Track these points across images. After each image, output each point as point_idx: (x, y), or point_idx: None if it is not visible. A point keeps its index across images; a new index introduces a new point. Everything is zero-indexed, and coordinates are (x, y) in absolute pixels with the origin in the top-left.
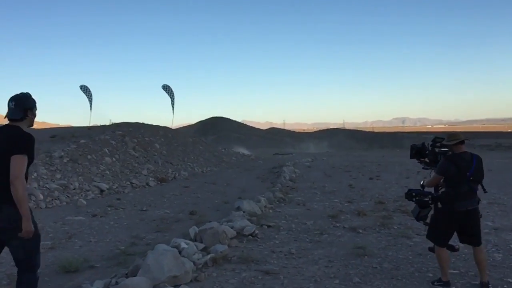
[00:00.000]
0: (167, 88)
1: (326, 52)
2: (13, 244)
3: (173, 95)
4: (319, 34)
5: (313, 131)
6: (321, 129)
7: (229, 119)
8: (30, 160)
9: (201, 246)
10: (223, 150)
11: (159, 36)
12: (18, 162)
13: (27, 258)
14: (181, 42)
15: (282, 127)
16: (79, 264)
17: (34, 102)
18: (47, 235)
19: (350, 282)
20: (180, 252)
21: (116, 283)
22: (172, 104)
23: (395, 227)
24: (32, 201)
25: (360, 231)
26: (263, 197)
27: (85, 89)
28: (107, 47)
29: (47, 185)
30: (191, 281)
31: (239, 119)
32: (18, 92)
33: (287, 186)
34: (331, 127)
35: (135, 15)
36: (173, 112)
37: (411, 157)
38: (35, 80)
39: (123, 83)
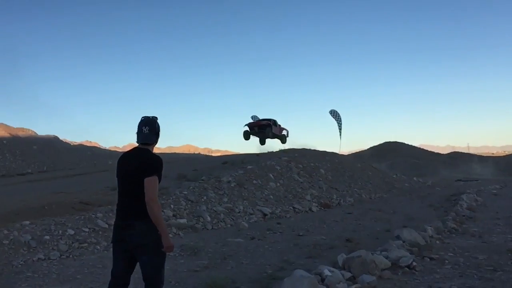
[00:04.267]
0: (334, 113)
1: None
2: (142, 259)
3: (340, 120)
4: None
5: (504, 155)
6: None
7: (404, 143)
8: (159, 181)
9: (348, 275)
10: (394, 176)
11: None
12: (151, 184)
13: (153, 273)
14: (348, 67)
15: (465, 151)
16: (226, 284)
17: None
18: (206, 254)
19: None
20: (323, 280)
21: None
22: (340, 129)
23: None
24: (200, 223)
25: None
26: (430, 226)
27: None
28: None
29: (214, 208)
30: None
31: (416, 144)
32: (148, 116)
33: (463, 216)
34: None
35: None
36: (340, 137)
37: None
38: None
39: (292, 108)
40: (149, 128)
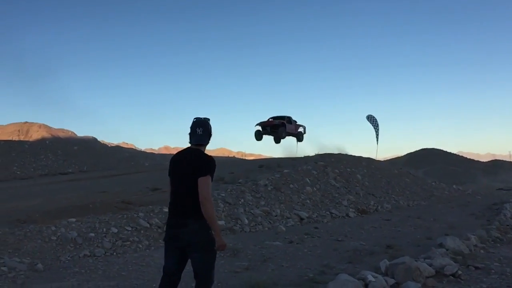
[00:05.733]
0: (371, 119)
1: None
2: (194, 256)
3: (377, 126)
4: None
5: None
6: None
7: (442, 150)
8: (211, 181)
9: (392, 281)
10: (433, 183)
11: (369, 66)
12: (205, 184)
13: (204, 271)
14: (390, 73)
15: (507, 159)
16: (268, 286)
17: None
18: (246, 256)
19: None
20: (366, 286)
21: None
22: (377, 135)
23: None
24: (238, 225)
25: None
26: (473, 235)
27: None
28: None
29: (252, 211)
30: None
31: (454, 151)
32: (200, 117)
33: (507, 225)
34: None
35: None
36: (377, 143)
37: None
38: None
39: (329, 113)
40: (202, 129)
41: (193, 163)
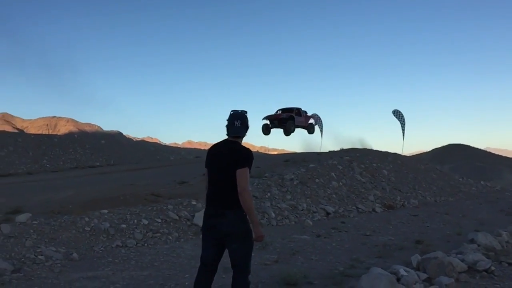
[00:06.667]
0: (398, 114)
1: None
2: (232, 247)
3: (404, 121)
4: None
5: None
6: None
7: (469, 146)
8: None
9: (424, 276)
10: (460, 179)
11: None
12: (244, 176)
13: (242, 261)
14: (409, 69)
15: None
16: (299, 278)
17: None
18: (274, 249)
19: None
20: (398, 280)
21: None
22: (403, 130)
23: None
24: (265, 219)
25: None
26: (505, 231)
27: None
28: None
29: (278, 205)
30: None
31: (481, 147)
32: (237, 110)
33: None
34: None
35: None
36: (403, 138)
37: None
38: None
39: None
40: (240, 122)
41: (231, 155)
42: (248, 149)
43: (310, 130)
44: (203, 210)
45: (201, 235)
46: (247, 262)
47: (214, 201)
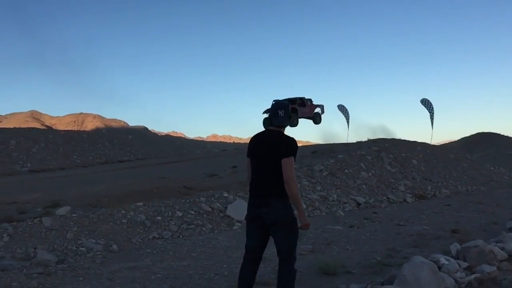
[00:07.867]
0: (426, 102)
1: None
2: (278, 235)
3: (432, 110)
4: None
5: None
6: None
7: (499, 134)
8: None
9: (464, 264)
10: (491, 168)
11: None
12: (289, 164)
13: (287, 249)
14: (444, 58)
15: None
16: (337, 268)
17: None
18: (309, 240)
19: None
20: (439, 268)
21: None
22: (432, 119)
23: None
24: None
25: None
26: None
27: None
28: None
29: (309, 196)
30: None
31: None
32: (279, 100)
33: None
34: None
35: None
36: (432, 127)
37: None
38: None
39: (381, 97)
40: (284, 112)
41: (276, 145)
42: (293, 138)
43: (316, 120)
44: (235, 202)
45: (234, 226)
46: (293, 250)
47: (259, 190)
